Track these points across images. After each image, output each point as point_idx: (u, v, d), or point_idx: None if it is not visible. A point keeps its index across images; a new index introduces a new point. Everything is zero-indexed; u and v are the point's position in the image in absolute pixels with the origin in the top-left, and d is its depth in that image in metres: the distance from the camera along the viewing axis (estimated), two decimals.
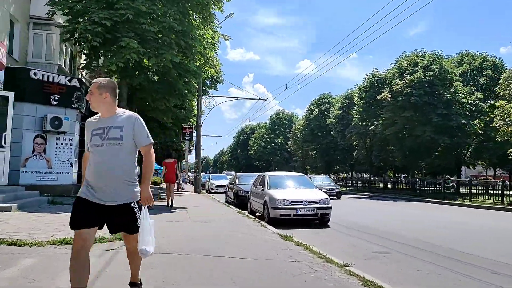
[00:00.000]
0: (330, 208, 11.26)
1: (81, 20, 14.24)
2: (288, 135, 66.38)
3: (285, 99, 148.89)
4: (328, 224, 11.24)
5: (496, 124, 23.36)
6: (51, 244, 5.91)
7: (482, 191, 22.97)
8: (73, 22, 14.40)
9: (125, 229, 3.46)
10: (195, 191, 26.20)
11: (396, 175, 45.57)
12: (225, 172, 62.86)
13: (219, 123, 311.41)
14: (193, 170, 41.07)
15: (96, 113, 3.50)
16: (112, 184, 3.28)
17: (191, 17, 16.48)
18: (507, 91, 24.48)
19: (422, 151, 30.04)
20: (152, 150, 3.50)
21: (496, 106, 24.83)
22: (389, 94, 29.01)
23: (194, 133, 28.61)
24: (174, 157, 17.34)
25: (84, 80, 19.65)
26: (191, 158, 53.13)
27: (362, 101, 33.62)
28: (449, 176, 36.48)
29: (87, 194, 3.30)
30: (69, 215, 3.31)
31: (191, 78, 17.65)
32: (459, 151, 31.32)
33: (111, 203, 3.30)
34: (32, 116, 13.76)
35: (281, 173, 16.41)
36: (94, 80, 3.44)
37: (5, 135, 10.93)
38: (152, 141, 3.48)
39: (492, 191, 22.34)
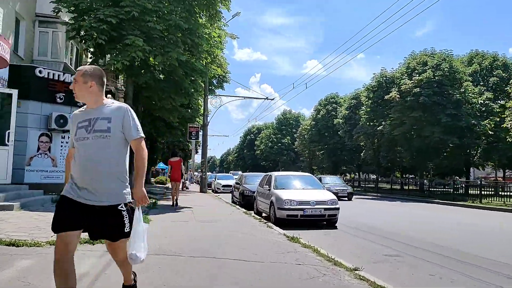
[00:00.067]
0: (338, 209, 11.03)
1: (87, 17, 14.13)
2: (295, 135, 66.18)
3: (291, 98, 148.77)
4: (336, 225, 11.01)
5: (507, 124, 23.02)
6: (50, 245, 5.73)
7: (491, 192, 22.58)
8: (79, 19, 14.30)
9: (109, 235, 3.13)
10: (201, 191, 26.05)
11: (404, 176, 45.14)
12: (231, 172, 62.72)
13: (226, 123, 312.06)
14: (200, 170, 40.93)
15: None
16: (98, 181, 2.99)
17: (197, 15, 16.32)
18: None
19: (430, 151, 29.66)
20: (144, 144, 3.20)
21: (507, 106, 24.49)
22: (398, 94, 28.69)
23: (201, 133, 28.45)
24: (179, 156, 17.17)
25: None
26: (197, 158, 53.16)
27: (370, 101, 33.32)
28: (457, 177, 36.03)
29: (71, 193, 3.02)
30: None
31: (198, 77, 17.48)
32: (468, 152, 30.90)
33: (97, 204, 2.99)
34: (37, 114, 13.64)
35: (288, 173, 16.16)
36: (79, 68, 3.19)
37: (9, 133, 10.81)
38: (143, 135, 3.18)
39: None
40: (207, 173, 29.74)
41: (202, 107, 27.37)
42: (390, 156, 36.37)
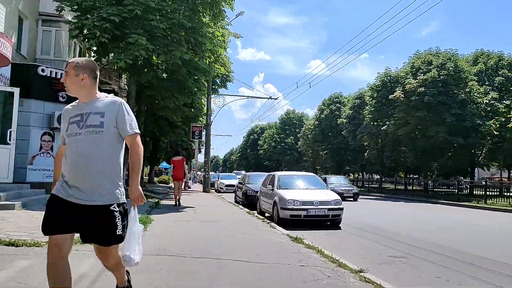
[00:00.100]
0: (342, 209, 10.91)
1: (90, 16, 14.08)
2: (298, 135, 66.02)
3: (295, 98, 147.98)
4: (340, 225, 10.89)
5: None
6: None
7: (496, 193, 22.38)
8: (82, 18, 14.27)
9: (100, 237, 2.91)
10: (204, 191, 25.97)
11: (408, 176, 44.91)
12: (235, 171, 62.66)
13: (229, 123, 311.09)
14: (203, 169, 40.94)
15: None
16: (90, 177, 2.81)
17: (201, 14, 16.25)
18: None
19: (435, 151, 29.45)
20: (139, 140, 3.01)
21: None
22: (402, 94, 28.51)
23: (204, 132, 28.38)
24: (182, 155, 17.08)
25: None
26: (200, 157, 52.99)
27: (374, 101, 33.15)
28: (462, 178, 35.80)
29: (61, 192, 2.85)
30: None
31: (201, 76, 17.41)
32: (473, 152, 30.67)
33: (88, 203, 2.82)
34: (39, 113, 13.58)
35: (291, 172, 16.03)
36: (71, 60, 3.02)
37: (11, 131, 10.75)
38: (138, 131, 3.00)
39: (507, 193, 21.77)
40: (210, 173, 29.65)
41: (205, 107, 27.28)
42: (394, 156, 36.18)
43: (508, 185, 24.72)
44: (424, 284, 5.31)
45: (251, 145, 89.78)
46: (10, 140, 10.77)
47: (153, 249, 5.95)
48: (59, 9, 14.72)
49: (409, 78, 29.22)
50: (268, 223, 10.09)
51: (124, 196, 3.00)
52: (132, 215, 2.98)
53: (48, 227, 2.81)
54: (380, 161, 38.69)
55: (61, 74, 14.19)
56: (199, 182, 41.64)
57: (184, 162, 15.26)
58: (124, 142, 3.02)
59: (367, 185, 39.77)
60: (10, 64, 11.99)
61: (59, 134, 3.12)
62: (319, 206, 10.62)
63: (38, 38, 16.17)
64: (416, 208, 18.75)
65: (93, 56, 17.67)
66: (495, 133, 27.17)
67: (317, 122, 53.36)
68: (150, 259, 5.24)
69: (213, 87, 27.95)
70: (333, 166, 50.42)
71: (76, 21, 14.38)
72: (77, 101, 3.03)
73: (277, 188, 11.91)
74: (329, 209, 10.65)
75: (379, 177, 43.18)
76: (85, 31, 14.59)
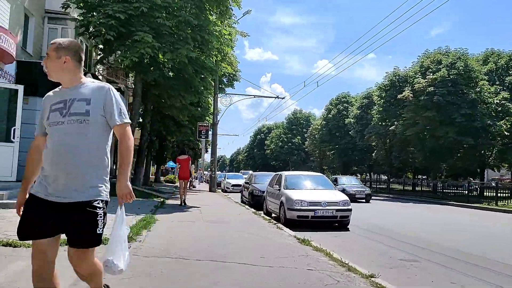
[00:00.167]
0: (350, 210, 10.65)
1: (95, 13, 13.98)
2: (305, 135, 65.74)
3: (302, 98, 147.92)
4: (348, 227, 10.64)
5: None
6: None
7: (507, 194, 21.97)
8: (87, 15, 14.17)
9: (78, 235, 2.48)
10: (211, 190, 25.79)
11: (416, 176, 44.47)
12: (241, 171, 62.51)
13: (236, 122, 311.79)
14: (209, 169, 40.81)
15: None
16: (74, 168, 2.47)
17: (207, 12, 16.08)
18: None
19: (444, 152, 29.08)
20: (130, 131, 2.69)
21: None
22: (411, 93, 28.18)
23: (210, 132, 28.23)
24: (188, 154, 16.91)
25: (99, 75, 19.46)
26: (207, 157, 52.87)
27: (382, 101, 32.83)
28: (471, 179, 35.34)
29: (38, 190, 2.52)
30: None
31: (208, 75, 17.23)
32: (483, 153, 30.23)
33: (68, 201, 2.47)
34: None
35: (298, 172, 15.73)
36: (52, 41, 2.73)
37: (15, 129, 10.62)
38: (128, 120, 2.69)
39: None
40: (217, 172, 29.47)
41: (212, 106, 27.09)
42: (402, 157, 35.84)
43: None
44: None
45: (258, 145, 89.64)
46: (14, 138, 10.62)
47: (156, 250, 5.76)
48: (65, 6, 14.61)
49: (418, 77, 28.88)
50: (275, 223, 9.86)
51: (108, 194, 2.66)
52: (119, 214, 2.64)
53: (24, 231, 2.52)
54: (388, 161, 38.34)
55: None
56: (205, 182, 41.50)
57: (190, 161, 15.06)
58: (112, 132, 2.72)
59: (375, 186, 39.38)
60: (15, 62, 11.88)
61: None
62: (327, 207, 10.37)
63: (44, 35, 16.08)
64: (425, 209, 18.43)
65: (99, 54, 17.57)
66: (506, 133, 26.75)
67: (324, 122, 53.07)
68: (153, 261, 5.05)
69: (220, 86, 27.75)
70: (340, 166, 50.12)
71: (82, 18, 14.27)
72: (60, 87, 2.73)
73: (284, 188, 11.68)
74: (337, 210, 10.40)
75: (386, 177, 42.77)
76: (91, 29, 14.47)
